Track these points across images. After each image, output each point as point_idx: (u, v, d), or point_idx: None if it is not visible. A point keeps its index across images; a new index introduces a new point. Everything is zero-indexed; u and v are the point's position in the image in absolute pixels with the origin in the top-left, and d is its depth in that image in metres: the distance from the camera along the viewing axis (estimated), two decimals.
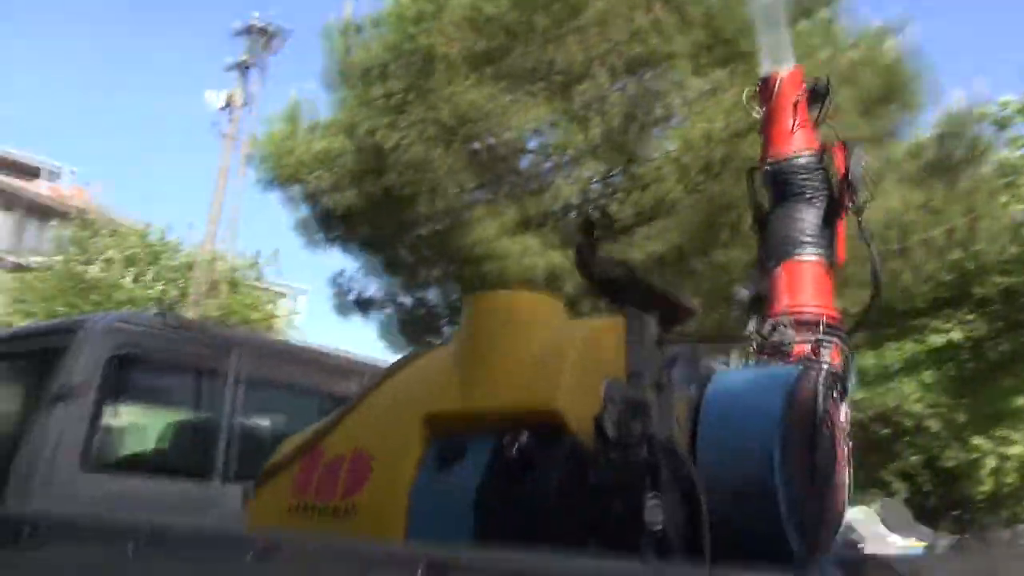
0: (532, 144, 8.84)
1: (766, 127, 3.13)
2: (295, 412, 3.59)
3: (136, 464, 3.42)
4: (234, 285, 19.20)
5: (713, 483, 1.94)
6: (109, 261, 18.87)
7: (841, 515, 2.25)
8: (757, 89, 3.25)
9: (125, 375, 3.27)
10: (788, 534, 1.98)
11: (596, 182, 8.83)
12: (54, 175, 41.09)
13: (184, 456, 3.51)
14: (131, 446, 3.57)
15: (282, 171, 9.27)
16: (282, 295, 25.51)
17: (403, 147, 7.99)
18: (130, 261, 18.95)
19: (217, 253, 15.75)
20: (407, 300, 10.80)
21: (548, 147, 8.65)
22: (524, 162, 9.03)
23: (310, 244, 10.23)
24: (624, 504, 1.79)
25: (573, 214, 8.98)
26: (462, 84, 7.50)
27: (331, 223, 9.88)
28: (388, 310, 10.73)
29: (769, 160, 3.06)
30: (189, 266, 17.90)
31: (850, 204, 2.93)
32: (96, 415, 3.15)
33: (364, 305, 10.69)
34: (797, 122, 3.01)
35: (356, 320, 10.76)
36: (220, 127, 14.41)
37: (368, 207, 9.18)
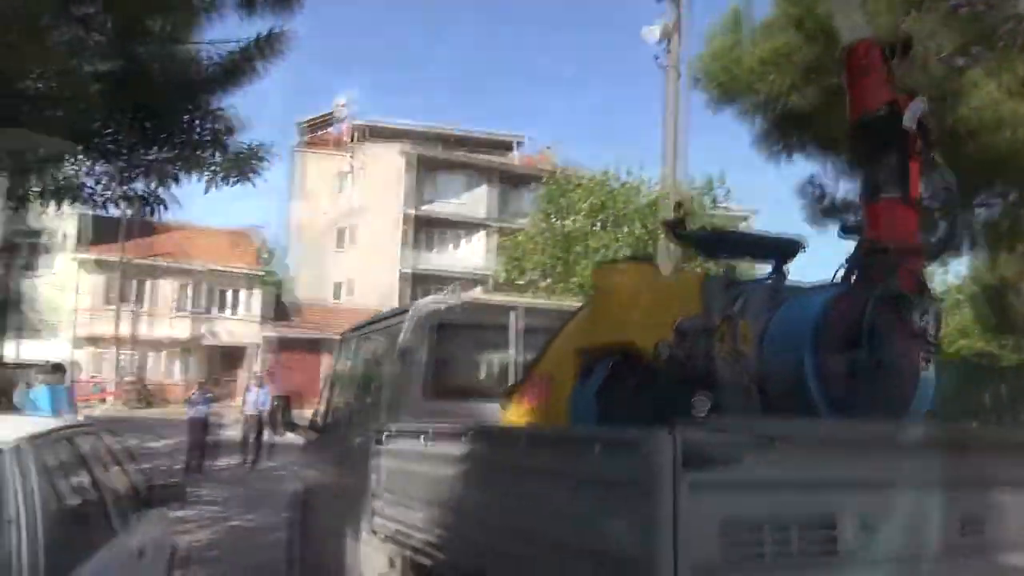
0: None
1: (849, 90, 3.47)
2: None
3: (459, 392, 4.74)
4: (692, 215, 19.32)
5: (768, 377, 2.79)
6: (580, 213, 20.35)
7: (904, 403, 2.76)
8: (841, 58, 3.59)
9: (444, 336, 4.74)
10: (822, 414, 2.63)
11: None
12: (521, 145, 45.96)
13: (489, 385, 4.83)
14: (454, 381, 4.96)
15: (731, 84, 8.85)
16: (743, 218, 25.17)
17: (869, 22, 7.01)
18: (597, 210, 20.20)
19: (675, 187, 15.95)
20: None
21: None
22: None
23: (770, 156, 9.71)
24: (679, 398, 2.49)
25: None
26: None
27: (788, 128, 9.22)
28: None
29: (854, 117, 3.43)
30: (651, 204, 18.44)
31: (923, 144, 3.27)
32: (429, 362, 4.66)
33: (839, 211, 9.82)
34: (872, 82, 3.37)
35: (831, 228, 10.01)
36: (661, 60, 14.36)
37: (829, 102, 8.33)
